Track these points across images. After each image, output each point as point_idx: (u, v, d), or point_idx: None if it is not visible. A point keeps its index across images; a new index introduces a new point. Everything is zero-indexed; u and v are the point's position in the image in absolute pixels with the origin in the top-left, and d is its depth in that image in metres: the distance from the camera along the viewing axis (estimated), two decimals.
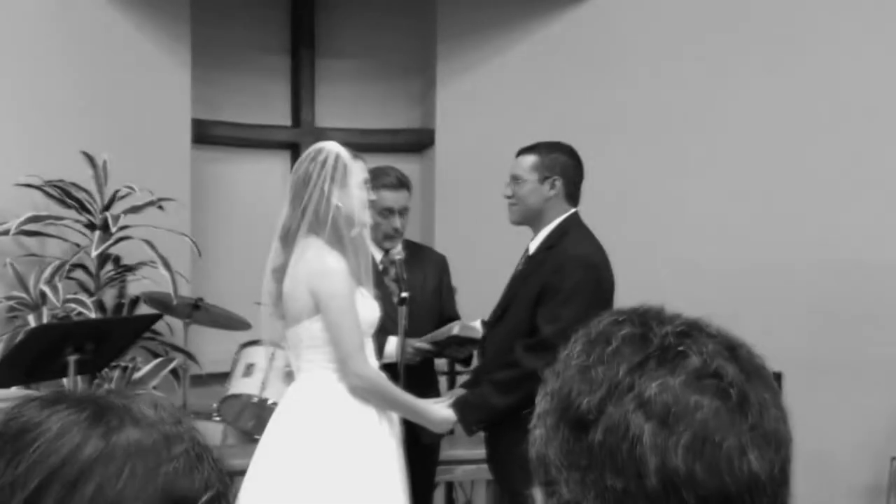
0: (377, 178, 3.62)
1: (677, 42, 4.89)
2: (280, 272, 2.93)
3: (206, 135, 5.32)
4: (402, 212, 3.71)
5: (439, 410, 3.03)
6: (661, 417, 0.80)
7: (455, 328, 3.51)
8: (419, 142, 5.68)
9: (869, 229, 4.46)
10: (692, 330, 0.86)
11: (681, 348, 0.84)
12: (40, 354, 3.12)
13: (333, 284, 2.82)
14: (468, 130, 5.43)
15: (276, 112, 5.63)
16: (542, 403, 0.88)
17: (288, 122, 5.68)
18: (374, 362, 2.98)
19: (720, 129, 4.75)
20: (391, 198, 3.67)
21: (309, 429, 2.88)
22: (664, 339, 0.84)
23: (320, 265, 2.83)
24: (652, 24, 4.97)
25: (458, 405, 3.03)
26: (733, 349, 0.86)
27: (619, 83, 5.01)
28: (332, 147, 2.93)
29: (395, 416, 3.00)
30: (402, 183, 3.72)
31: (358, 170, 2.94)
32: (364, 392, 2.88)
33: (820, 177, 4.52)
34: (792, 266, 4.51)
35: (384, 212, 3.62)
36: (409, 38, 5.76)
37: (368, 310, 2.94)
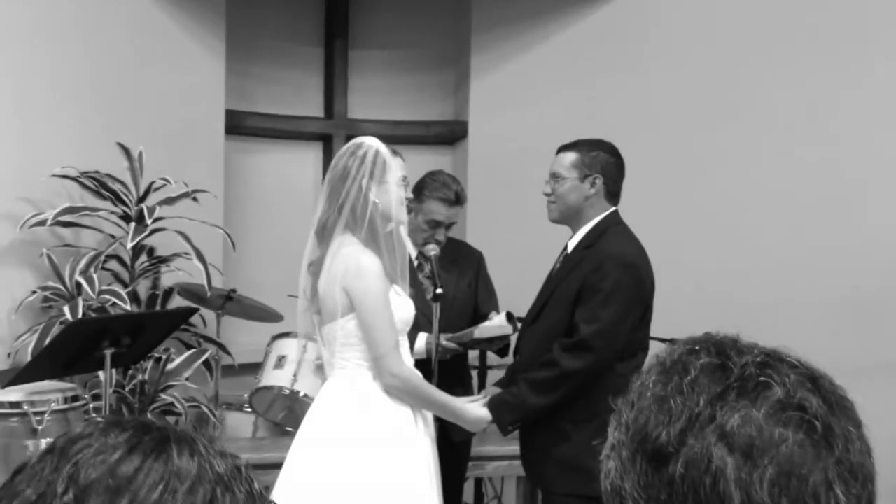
0: (436, 189, 3.62)
1: (711, 34, 4.83)
2: (316, 267, 2.92)
3: (239, 126, 5.32)
4: (450, 226, 3.72)
5: (474, 409, 3.01)
6: (745, 450, 0.78)
7: (475, 332, 3.50)
8: (452, 134, 5.66)
9: None
10: (773, 360, 0.84)
11: (762, 379, 0.82)
12: (78, 348, 3.13)
13: (367, 284, 2.80)
14: (501, 123, 5.40)
15: (309, 104, 5.63)
16: (615, 434, 0.86)
17: (321, 113, 5.67)
18: (409, 361, 2.97)
19: (756, 123, 4.68)
20: (444, 213, 3.67)
21: (344, 427, 2.86)
22: (744, 370, 0.82)
23: (354, 264, 2.81)
24: (686, 16, 4.91)
25: (493, 405, 3.01)
26: (815, 380, 0.84)
27: (653, 76, 4.96)
28: (371, 142, 2.91)
29: (430, 416, 2.98)
30: (459, 199, 3.72)
31: (396, 166, 2.92)
32: (399, 391, 2.86)
33: (853, 174, 4.44)
34: (825, 263, 4.45)
35: (432, 223, 3.62)
36: (442, 30, 5.73)
37: (403, 308, 2.92)
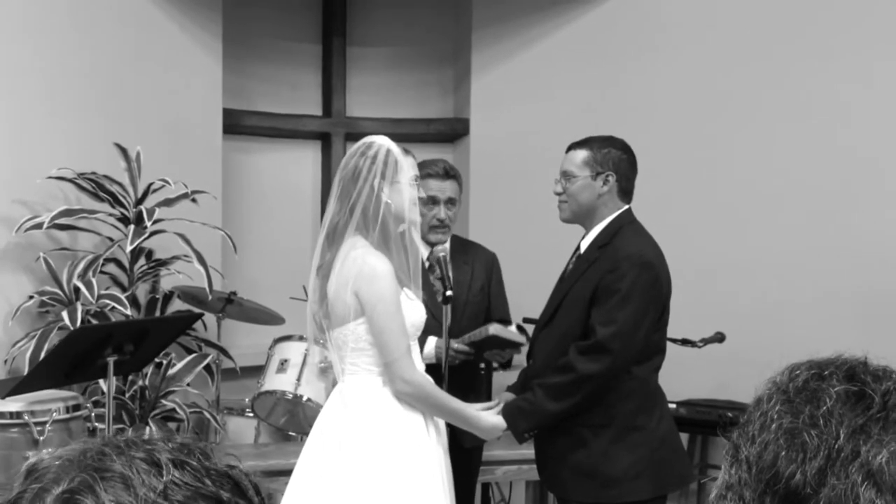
0: (424, 168, 3.53)
1: (715, 29, 4.76)
2: (325, 269, 2.83)
3: (236, 125, 5.25)
4: (449, 202, 3.61)
5: (488, 417, 2.93)
6: None
7: (491, 328, 3.41)
8: (453, 131, 5.59)
9: None
10: None
11: None
12: (80, 356, 3.05)
13: (379, 287, 2.72)
14: (503, 120, 5.34)
15: (307, 102, 5.55)
16: (731, 471, 0.77)
17: (319, 112, 5.60)
18: (420, 366, 2.89)
19: (761, 118, 4.62)
20: (436, 186, 3.59)
21: (354, 434, 2.79)
22: (886, 398, 0.74)
23: (365, 268, 2.73)
24: (686, 10, 4.85)
25: (508, 412, 2.92)
26: None
27: (655, 71, 4.90)
28: (382, 141, 2.83)
29: (442, 423, 2.90)
30: (449, 173, 3.63)
31: (408, 166, 2.84)
32: (410, 398, 2.78)
33: (865, 169, 4.37)
34: (835, 260, 4.38)
35: (428, 201, 3.52)
36: (441, 27, 5.66)
37: (414, 312, 2.84)
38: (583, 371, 2.82)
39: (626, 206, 3.04)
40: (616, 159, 3.00)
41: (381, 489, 2.72)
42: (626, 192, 3.03)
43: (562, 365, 2.87)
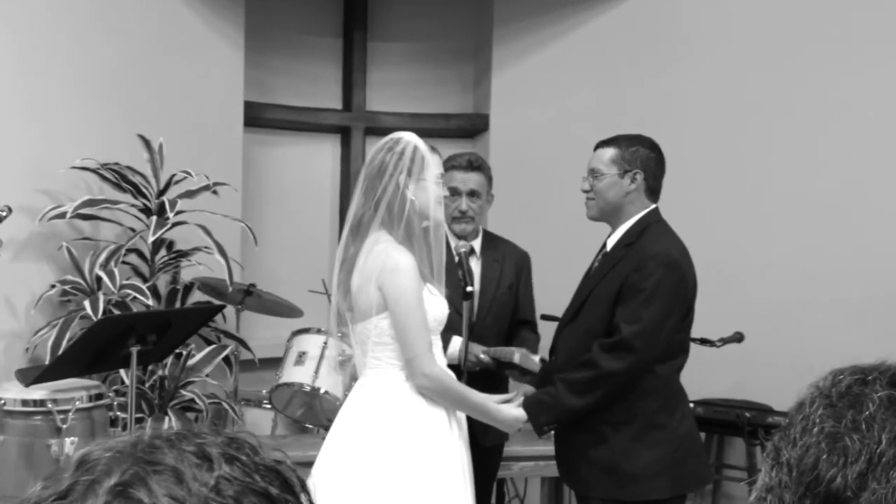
0: (450, 161, 3.52)
1: (734, 28, 4.75)
2: (349, 263, 2.84)
3: (257, 118, 5.26)
4: (472, 194, 3.60)
5: (509, 410, 2.93)
6: None
7: (516, 356, 3.41)
8: (472, 127, 5.59)
9: None
10: None
11: None
12: (104, 345, 3.07)
13: (402, 282, 2.73)
14: (522, 116, 5.34)
15: (327, 96, 5.57)
16: (772, 474, 0.77)
17: (339, 106, 5.60)
18: (442, 361, 2.90)
19: (784, 120, 4.60)
20: (459, 178, 3.58)
21: (376, 428, 2.80)
22: None
23: (389, 262, 2.74)
24: (707, 10, 4.84)
25: (530, 405, 2.93)
26: None
27: (678, 69, 4.89)
28: (409, 138, 2.83)
29: (463, 419, 2.91)
30: (472, 164, 3.62)
31: (434, 164, 2.83)
32: (431, 392, 2.79)
33: (878, 172, 4.35)
34: (863, 263, 4.37)
35: (451, 192, 3.51)
36: (462, 23, 5.66)
37: (436, 306, 2.85)
38: (606, 368, 2.83)
39: (654, 206, 3.04)
40: (644, 158, 3.00)
41: (403, 482, 2.73)
42: (653, 191, 3.04)
43: (585, 361, 2.87)
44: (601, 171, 2.99)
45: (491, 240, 3.75)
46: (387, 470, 2.74)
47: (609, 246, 3.02)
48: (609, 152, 3.00)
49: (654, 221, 2.99)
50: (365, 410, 2.84)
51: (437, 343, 2.89)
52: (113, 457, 0.73)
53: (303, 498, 0.76)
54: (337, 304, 2.87)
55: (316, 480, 2.83)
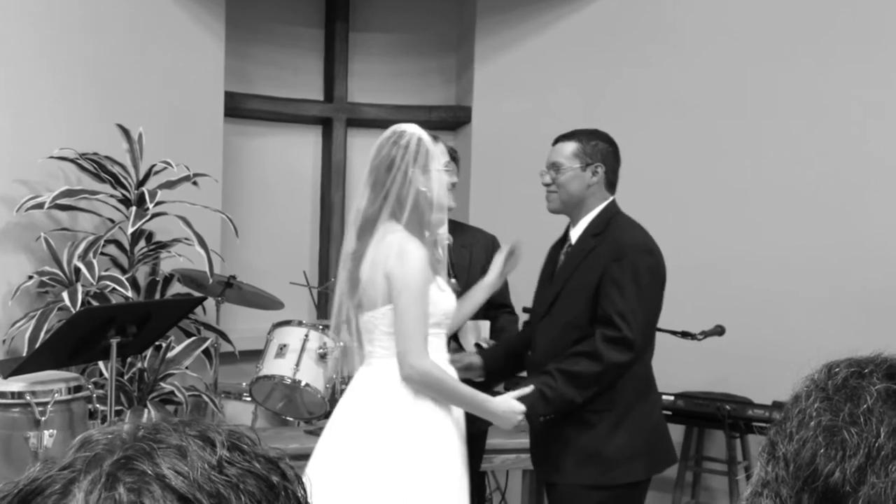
0: None
1: (719, 22, 4.75)
2: (359, 254, 2.85)
3: (237, 108, 5.22)
4: (453, 187, 3.61)
5: (504, 402, 2.92)
6: None
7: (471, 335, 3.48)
8: (455, 119, 5.58)
9: None
10: None
11: None
12: (84, 337, 3.04)
13: (410, 270, 2.74)
14: (505, 108, 5.33)
15: (308, 86, 5.53)
16: (768, 468, 0.77)
17: (321, 96, 5.57)
18: (444, 355, 2.90)
19: (766, 112, 4.61)
20: None
21: (377, 418, 2.80)
22: None
23: (400, 249, 2.76)
24: (692, 3, 4.84)
25: (529, 397, 2.94)
26: None
27: (659, 62, 4.89)
28: (413, 130, 2.85)
29: (461, 414, 2.91)
30: (454, 158, 3.63)
31: (439, 153, 2.88)
32: (416, 384, 2.79)
33: (869, 166, 4.37)
34: (836, 256, 4.39)
35: None
36: (444, 14, 5.64)
37: (444, 300, 2.88)
38: (612, 360, 2.88)
39: (612, 198, 3.11)
40: (604, 151, 3.08)
41: (403, 473, 2.74)
42: (612, 184, 3.12)
43: (586, 353, 2.90)
44: (563, 165, 3.06)
45: (456, 227, 3.75)
46: (387, 460, 2.76)
47: (574, 238, 3.07)
48: (570, 146, 3.07)
49: (615, 213, 3.07)
50: (368, 400, 2.84)
51: (443, 335, 2.90)
52: (116, 436, 0.74)
53: (300, 493, 0.77)
54: (340, 295, 2.88)
55: (311, 474, 2.81)
